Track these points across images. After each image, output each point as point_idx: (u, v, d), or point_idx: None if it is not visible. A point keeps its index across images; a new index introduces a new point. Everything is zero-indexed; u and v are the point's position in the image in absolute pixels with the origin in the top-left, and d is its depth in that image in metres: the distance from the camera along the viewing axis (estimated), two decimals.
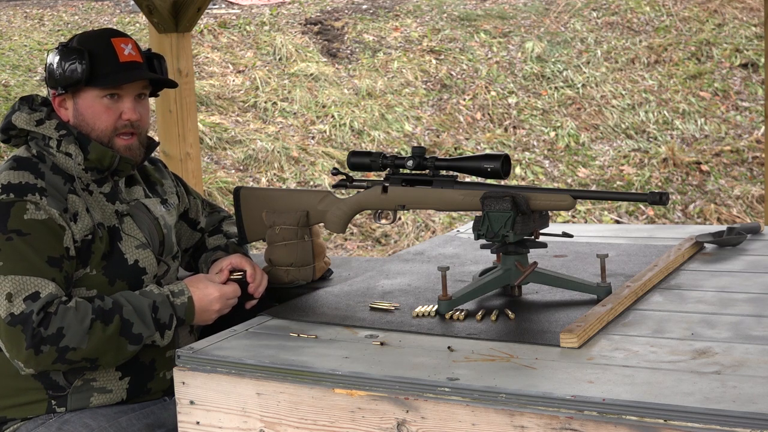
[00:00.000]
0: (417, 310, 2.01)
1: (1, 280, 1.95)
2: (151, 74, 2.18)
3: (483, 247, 2.08)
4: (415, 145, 8.14)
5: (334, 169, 2.24)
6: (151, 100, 2.96)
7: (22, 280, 1.96)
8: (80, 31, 2.52)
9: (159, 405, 2.17)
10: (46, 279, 1.97)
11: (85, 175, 2.13)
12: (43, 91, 8.79)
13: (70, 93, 2.14)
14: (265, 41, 9.56)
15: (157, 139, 2.53)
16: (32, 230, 2.00)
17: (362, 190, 2.22)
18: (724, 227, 2.55)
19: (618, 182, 7.93)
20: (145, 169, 2.35)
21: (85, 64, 2.08)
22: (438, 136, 8.38)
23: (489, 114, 8.78)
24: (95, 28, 2.52)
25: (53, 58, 2.12)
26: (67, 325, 1.95)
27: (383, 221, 2.22)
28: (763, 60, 9.12)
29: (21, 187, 2.03)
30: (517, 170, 7.98)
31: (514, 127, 8.64)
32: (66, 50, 2.10)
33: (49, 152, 2.12)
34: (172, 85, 2.26)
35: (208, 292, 2.14)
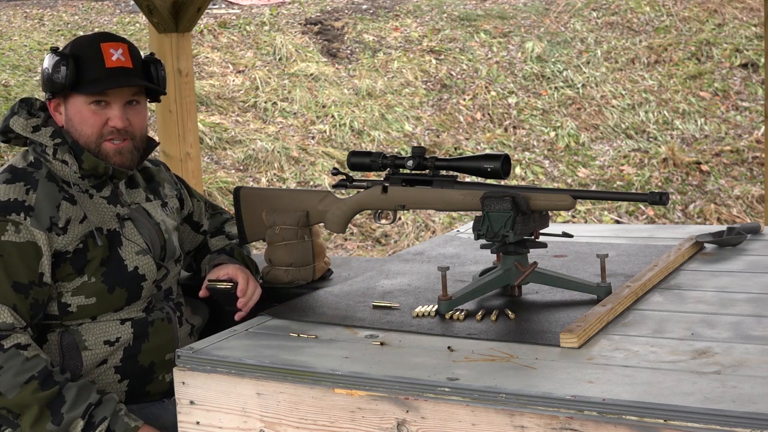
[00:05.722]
0: (417, 310, 2.01)
1: None
2: (137, 81, 2.11)
3: (483, 247, 2.08)
4: (415, 145, 8.14)
5: (334, 169, 2.24)
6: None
7: None
8: (80, 32, 2.51)
9: (158, 406, 2.16)
10: (5, 306, 1.95)
11: (82, 182, 2.11)
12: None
13: (62, 98, 2.12)
14: (265, 41, 9.55)
15: (157, 139, 2.51)
16: (5, 253, 1.97)
17: (362, 190, 2.22)
18: (724, 227, 2.55)
19: (618, 182, 7.93)
20: (148, 170, 2.33)
21: (70, 70, 2.05)
22: (438, 136, 8.38)
23: (489, 114, 8.78)
24: (92, 32, 2.47)
25: (46, 63, 2.10)
26: (6, 367, 1.92)
27: (383, 221, 2.22)
28: (763, 60, 9.12)
29: (7, 206, 2.00)
30: (517, 170, 7.98)
31: (514, 127, 8.63)
32: (55, 55, 2.07)
33: (46, 159, 2.09)
34: (160, 92, 2.20)
35: None
